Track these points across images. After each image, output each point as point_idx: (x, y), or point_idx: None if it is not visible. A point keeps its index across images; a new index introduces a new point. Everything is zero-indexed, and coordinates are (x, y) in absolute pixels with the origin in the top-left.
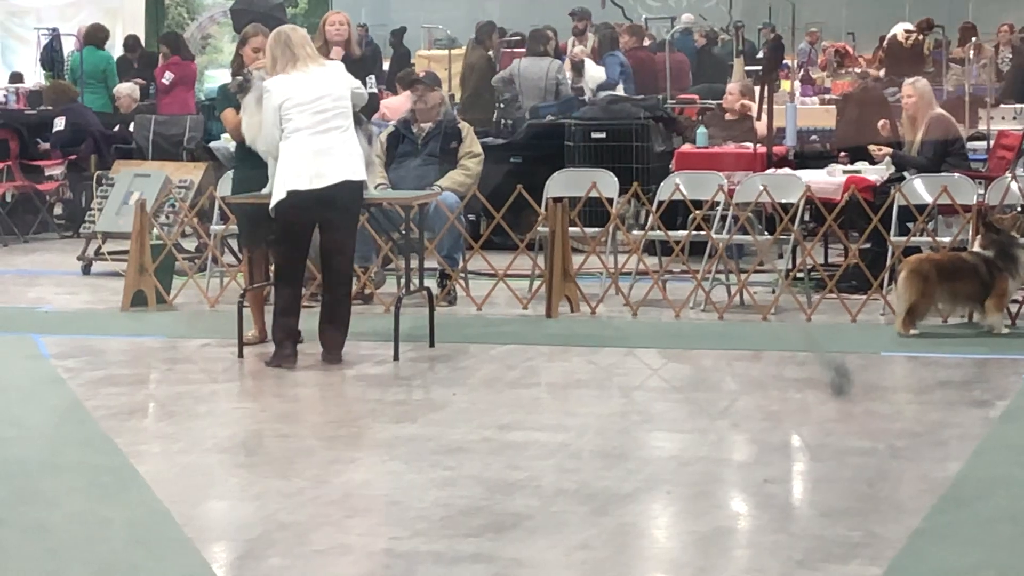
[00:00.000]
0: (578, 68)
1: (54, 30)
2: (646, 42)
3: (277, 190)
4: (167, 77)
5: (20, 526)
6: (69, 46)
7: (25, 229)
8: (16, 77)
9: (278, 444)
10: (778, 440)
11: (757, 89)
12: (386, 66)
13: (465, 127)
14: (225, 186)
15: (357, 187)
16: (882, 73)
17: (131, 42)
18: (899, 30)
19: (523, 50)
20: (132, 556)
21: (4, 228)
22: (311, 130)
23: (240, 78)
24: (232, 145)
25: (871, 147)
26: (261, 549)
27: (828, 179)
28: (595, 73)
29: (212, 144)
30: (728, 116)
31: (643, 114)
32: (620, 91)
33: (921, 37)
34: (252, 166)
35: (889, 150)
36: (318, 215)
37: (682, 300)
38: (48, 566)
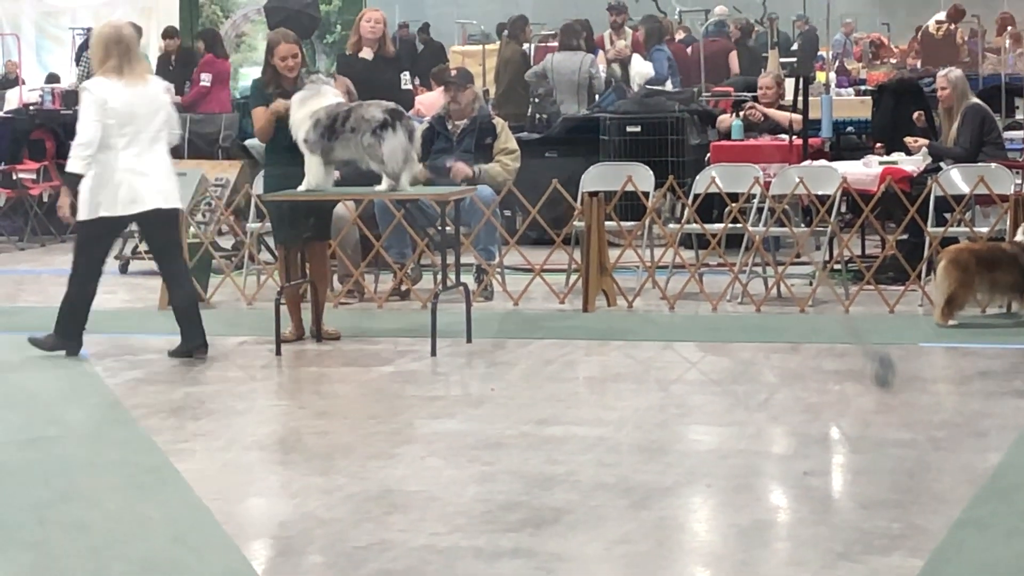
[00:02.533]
0: (624, 63)
1: (88, 30)
2: (679, 35)
3: (90, 209)
4: (206, 78)
5: (62, 525)
6: None
7: (62, 229)
8: (52, 77)
9: (317, 441)
10: (817, 432)
11: (791, 81)
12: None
13: (500, 123)
14: (261, 184)
15: (172, 215)
16: (919, 64)
17: (170, 31)
18: (932, 21)
19: (556, 44)
20: (173, 554)
21: (42, 228)
22: (130, 149)
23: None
24: None
25: (907, 139)
26: (301, 546)
27: (864, 170)
28: (642, 68)
29: (247, 142)
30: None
31: (678, 107)
32: (668, 86)
33: (953, 27)
34: (284, 163)
35: (925, 141)
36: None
37: (719, 293)
38: (89, 565)
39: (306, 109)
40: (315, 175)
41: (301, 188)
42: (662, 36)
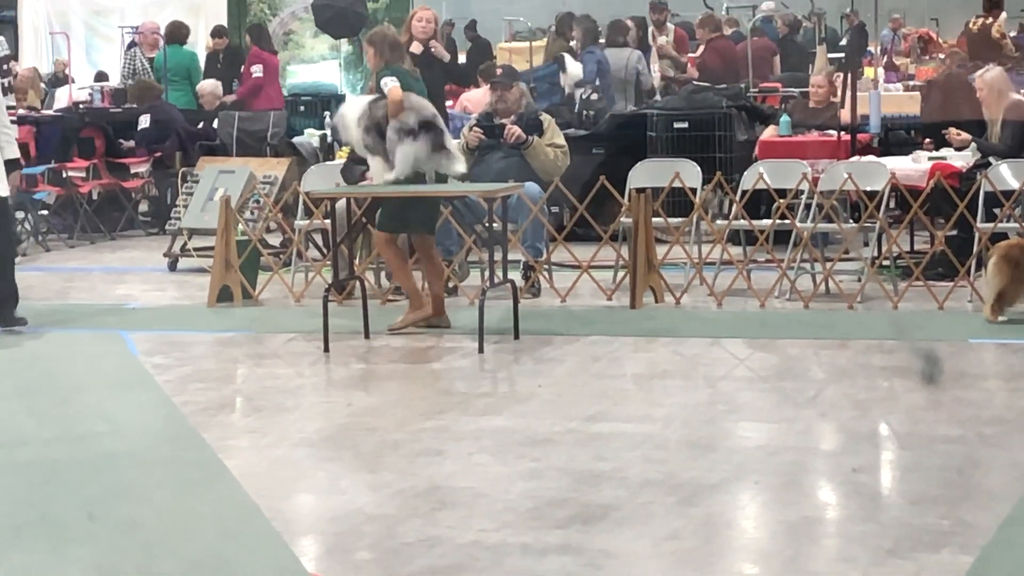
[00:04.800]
0: (561, 65)
1: (136, 28)
2: (727, 30)
3: None
4: (257, 70)
5: (112, 521)
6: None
7: (112, 226)
8: (101, 76)
9: (365, 437)
10: (866, 429)
11: (840, 76)
12: (462, 59)
13: (546, 119)
14: (309, 181)
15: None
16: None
17: (219, 30)
18: (974, 16)
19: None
20: (222, 550)
21: (91, 226)
22: None
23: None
24: (315, 140)
25: (950, 130)
26: (349, 542)
27: (913, 166)
28: (574, 70)
29: (295, 139)
30: (812, 104)
31: (725, 103)
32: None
33: (989, 20)
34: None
35: (968, 136)
36: None
37: (767, 289)
38: (140, 560)
39: (352, 114)
40: (379, 172)
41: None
42: (596, 38)
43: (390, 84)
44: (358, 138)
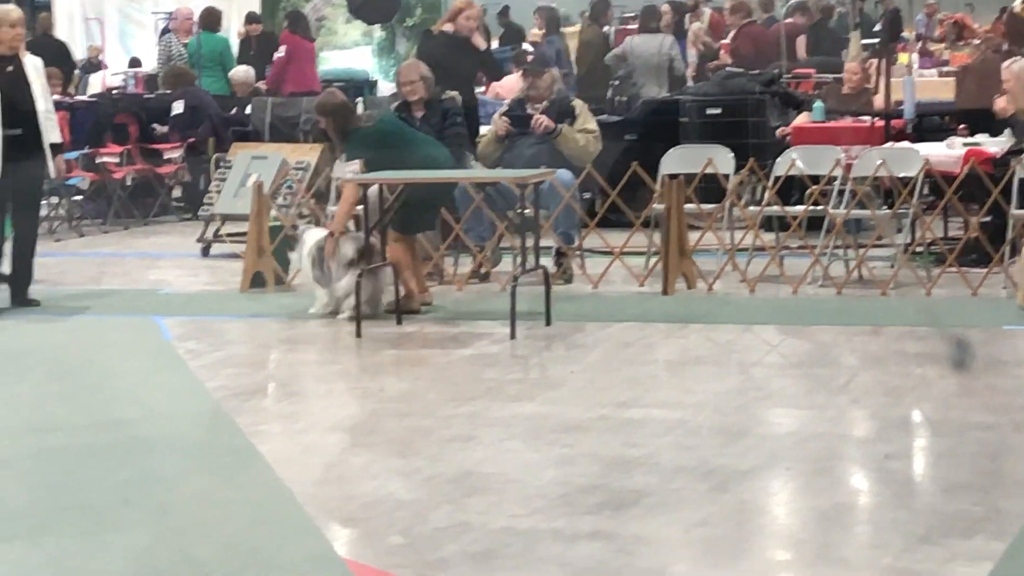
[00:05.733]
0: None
1: (170, 15)
2: (761, 15)
3: None
4: (280, 50)
5: (145, 506)
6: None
7: (145, 212)
8: (135, 62)
9: (396, 423)
10: (899, 415)
11: (874, 62)
12: (495, 44)
13: (579, 104)
14: (341, 167)
15: None
16: (1004, 46)
17: (253, 16)
18: (1017, 1)
19: (636, 27)
20: (255, 536)
21: (125, 211)
22: None
23: None
24: None
25: (997, 99)
26: (381, 528)
27: (947, 152)
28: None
29: None
30: (846, 90)
31: (759, 89)
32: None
33: None
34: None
35: (1013, 107)
36: None
37: (800, 276)
38: (173, 545)
39: (308, 245)
40: (320, 300)
41: (311, 311)
42: (558, 26)
43: (349, 171)
44: (307, 270)
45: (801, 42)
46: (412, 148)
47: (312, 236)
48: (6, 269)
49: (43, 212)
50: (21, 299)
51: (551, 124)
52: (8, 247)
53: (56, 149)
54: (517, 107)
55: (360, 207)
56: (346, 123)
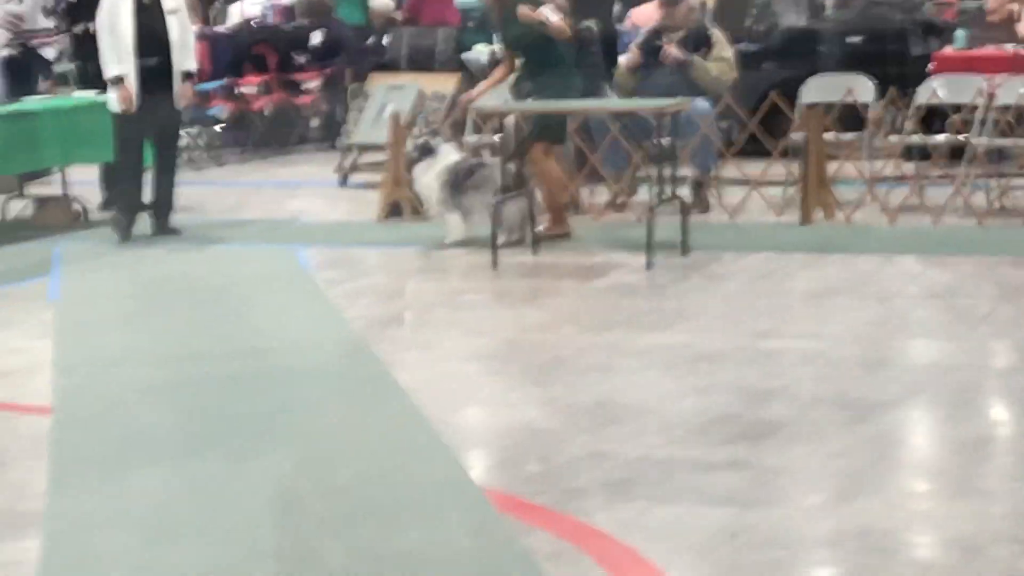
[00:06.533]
0: None
1: None
2: None
3: None
4: None
5: (284, 435)
6: None
7: (284, 142)
8: None
9: (533, 352)
10: None
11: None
12: None
13: (716, 34)
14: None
15: None
16: None
17: None
18: None
19: None
20: (391, 462)
21: (263, 141)
22: None
23: None
24: (485, 56)
25: None
26: (517, 456)
27: None
28: None
29: (465, 55)
30: (990, 18)
31: (900, 17)
32: None
33: None
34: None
35: None
36: None
37: (941, 206)
38: (313, 472)
39: (431, 173)
40: (455, 229)
41: (446, 241)
42: None
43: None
44: (436, 192)
45: None
46: (551, 73)
47: (439, 156)
48: (148, 198)
49: (183, 142)
50: (163, 228)
51: (679, 55)
52: (150, 176)
53: (188, 77)
54: (653, 37)
55: (498, 136)
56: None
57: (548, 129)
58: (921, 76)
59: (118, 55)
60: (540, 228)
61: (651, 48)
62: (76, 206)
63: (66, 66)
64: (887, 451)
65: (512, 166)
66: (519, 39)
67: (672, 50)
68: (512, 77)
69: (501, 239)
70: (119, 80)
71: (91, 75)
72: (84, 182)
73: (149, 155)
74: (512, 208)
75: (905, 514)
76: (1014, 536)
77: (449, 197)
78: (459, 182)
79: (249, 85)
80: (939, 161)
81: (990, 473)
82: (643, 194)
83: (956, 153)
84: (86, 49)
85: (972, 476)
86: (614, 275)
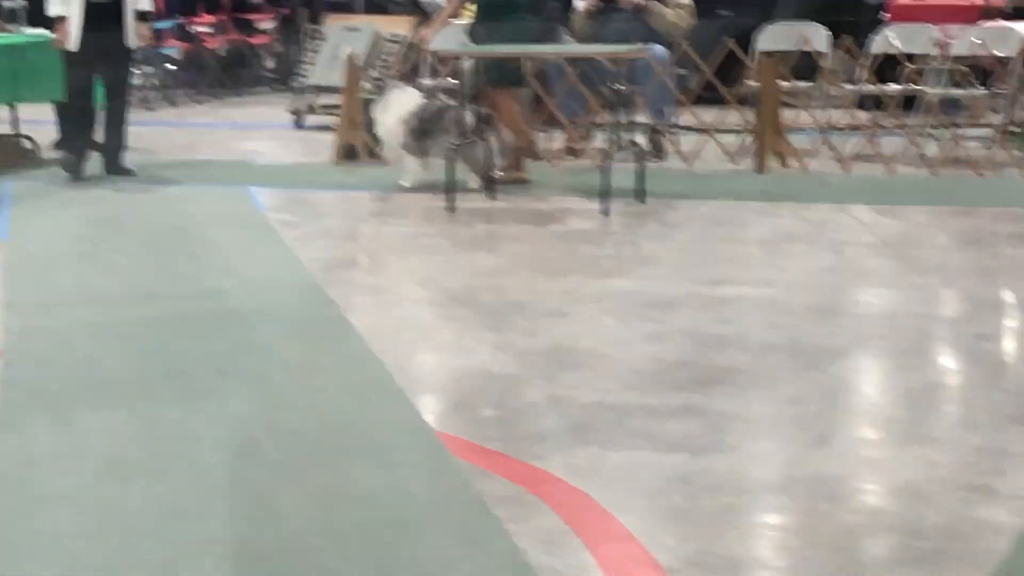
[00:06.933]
0: None
1: None
2: None
3: None
4: None
5: (238, 375)
6: None
7: (238, 82)
8: None
9: (489, 297)
10: (992, 296)
11: None
12: None
13: None
14: (436, 40)
15: None
16: None
17: None
18: None
19: None
20: (346, 406)
21: (218, 81)
22: None
23: None
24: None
25: None
26: (472, 400)
27: None
28: None
29: None
30: None
31: None
32: None
33: None
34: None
35: None
36: None
37: (894, 155)
38: (267, 414)
39: (392, 113)
40: (413, 173)
41: (405, 183)
42: None
43: None
44: (400, 136)
45: None
46: (507, 17)
47: (400, 101)
48: (99, 138)
49: (136, 81)
50: (115, 168)
51: (640, 0)
52: (101, 116)
53: (143, 17)
54: None
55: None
56: None
57: (504, 73)
58: (876, 25)
59: None
60: (498, 173)
61: None
62: (26, 144)
63: (15, 2)
64: (838, 398)
65: (474, 110)
66: None
67: None
68: (467, 20)
69: (471, 183)
70: (60, 19)
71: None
72: (35, 120)
73: (100, 94)
74: (477, 152)
75: (856, 461)
76: (962, 483)
77: (414, 141)
78: (426, 127)
79: (203, 24)
80: (893, 111)
81: (940, 421)
82: (600, 140)
83: (910, 103)
84: None
85: (921, 424)
86: (570, 221)
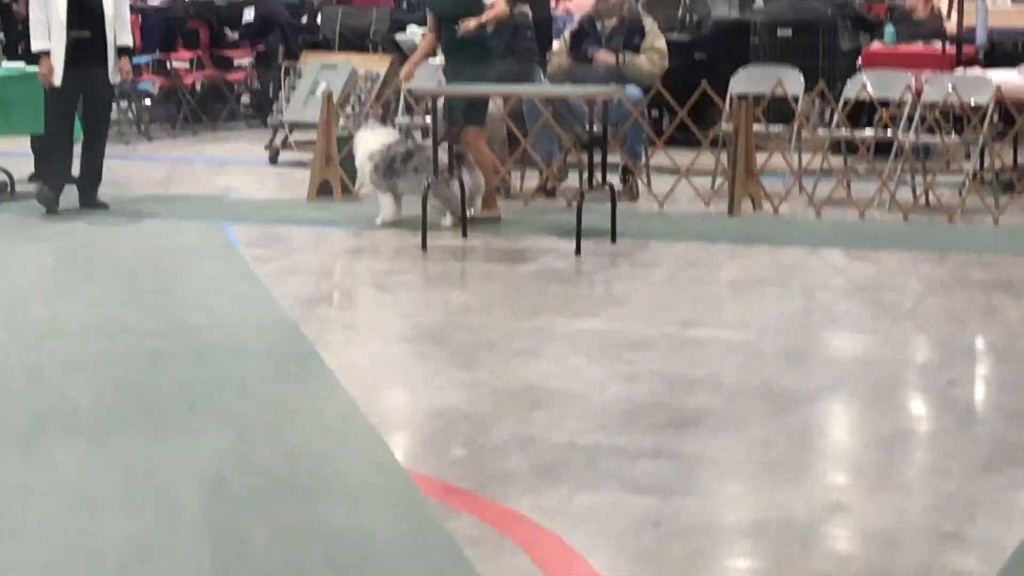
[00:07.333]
0: None
1: None
2: None
3: None
4: None
5: (211, 411)
6: None
7: (214, 118)
8: None
9: (461, 336)
10: (963, 342)
11: None
12: None
13: (649, 23)
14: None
15: None
16: None
17: None
18: None
19: None
20: (318, 444)
21: (194, 117)
22: None
23: None
24: (418, 38)
25: None
26: (444, 439)
27: (1019, 80)
28: None
29: (398, 36)
30: (915, 15)
31: (831, 11)
32: None
33: None
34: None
35: None
36: None
37: (867, 200)
38: (239, 450)
39: (360, 152)
40: (387, 210)
41: (378, 221)
42: None
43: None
44: (368, 173)
45: None
46: (473, 57)
47: (366, 139)
48: (76, 171)
49: (113, 116)
50: (90, 201)
51: (611, 59)
52: (78, 149)
53: (125, 53)
54: (587, 24)
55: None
56: None
57: (467, 112)
58: (850, 70)
59: (47, 28)
60: (471, 211)
61: (585, 35)
62: (1, 176)
63: None
64: (809, 442)
65: (447, 148)
66: (449, 8)
67: (602, 56)
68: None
69: (446, 221)
70: (44, 54)
71: (19, 46)
72: (9, 153)
73: (78, 128)
74: (451, 190)
75: (826, 506)
76: (932, 530)
77: (383, 179)
78: (393, 165)
79: (180, 60)
80: (866, 156)
81: (910, 467)
82: (573, 180)
83: (883, 148)
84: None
85: (891, 470)
86: (543, 260)
